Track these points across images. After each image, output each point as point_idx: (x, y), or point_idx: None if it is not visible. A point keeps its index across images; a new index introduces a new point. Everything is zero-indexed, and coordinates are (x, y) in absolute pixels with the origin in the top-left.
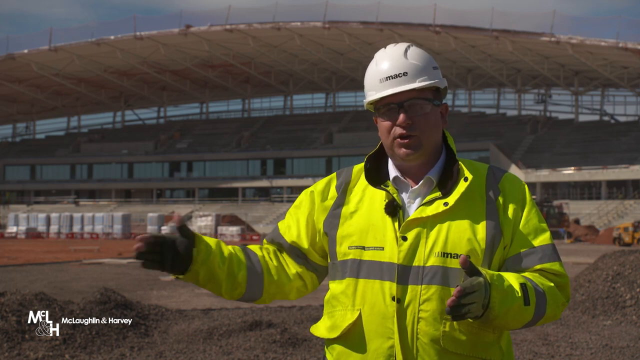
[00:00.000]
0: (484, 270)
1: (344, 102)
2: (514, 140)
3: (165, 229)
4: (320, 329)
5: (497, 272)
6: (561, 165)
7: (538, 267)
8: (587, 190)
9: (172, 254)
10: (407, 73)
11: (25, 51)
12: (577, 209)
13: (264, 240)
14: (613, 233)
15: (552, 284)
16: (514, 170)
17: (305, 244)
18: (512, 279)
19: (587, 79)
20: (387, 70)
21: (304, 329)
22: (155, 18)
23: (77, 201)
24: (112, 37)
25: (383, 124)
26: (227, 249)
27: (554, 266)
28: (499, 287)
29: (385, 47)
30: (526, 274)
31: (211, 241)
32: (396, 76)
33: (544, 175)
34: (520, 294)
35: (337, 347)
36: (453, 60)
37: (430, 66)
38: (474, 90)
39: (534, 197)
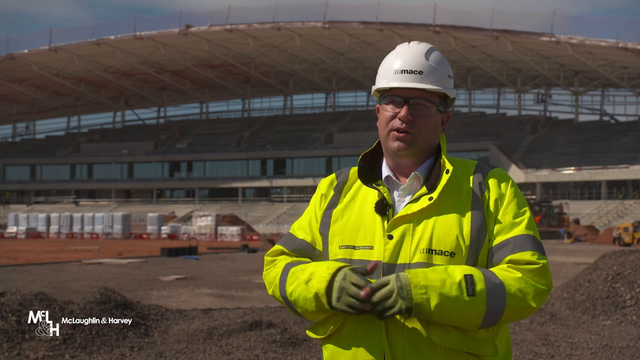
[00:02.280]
0: (404, 272)
1: (344, 102)
2: (514, 140)
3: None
4: (315, 329)
5: (428, 269)
6: (561, 165)
7: (508, 258)
8: (587, 190)
9: None
10: (422, 72)
11: (25, 51)
12: (577, 209)
13: (281, 248)
14: (613, 233)
15: (519, 274)
16: (513, 170)
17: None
18: (455, 271)
19: (587, 79)
20: (404, 64)
21: (304, 329)
22: (155, 18)
23: (77, 201)
24: (112, 37)
25: (385, 113)
26: None
27: (524, 255)
28: (419, 282)
29: (409, 43)
30: (492, 269)
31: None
32: (411, 72)
33: (544, 175)
34: (462, 285)
35: (330, 347)
36: (453, 60)
37: (445, 74)
38: (474, 90)
39: (533, 196)
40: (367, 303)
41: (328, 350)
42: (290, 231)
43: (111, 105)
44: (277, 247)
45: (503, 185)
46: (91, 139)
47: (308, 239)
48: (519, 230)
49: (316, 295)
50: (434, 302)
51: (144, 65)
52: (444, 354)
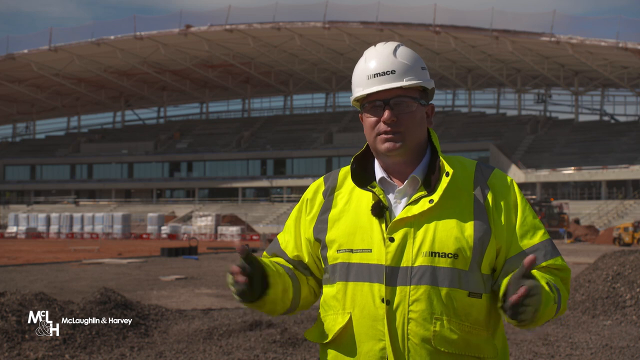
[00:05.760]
0: (535, 273)
1: (344, 102)
2: (514, 140)
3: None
4: (314, 334)
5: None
6: (561, 165)
7: (544, 264)
8: (587, 190)
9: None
10: (395, 71)
11: (25, 51)
12: (577, 209)
13: (264, 253)
14: (613, 233)
15: (560, 282)
16: (514, 170)
17: (305, 257)
18: (540, 278)
19: (587, 79)
20: (375, 68)
21: (303, 329)
22: (155, 18)
23: (77, 201)
24: (112, 37)
25: (368, 120)
26: (274, 265)
27: (557, 261)
28: (544, 290)
29: (375, 45)
30: (546, 276)
31: (265, 260)
32: (384, 73)
33: (544, 175)
34: (552, 294)
35: (331, 352)
36: (453, 60)
37: (418, 66)
38: (474, 90)
39: (533, 197)
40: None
41: (330, 355)
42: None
43: (111, 105)
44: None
45: (509, 188)
46: (91, 139)
47: (283, 244)
48: (544, 234)
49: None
50: (545, 310)
51: (144, 65)
52: (448, 359)
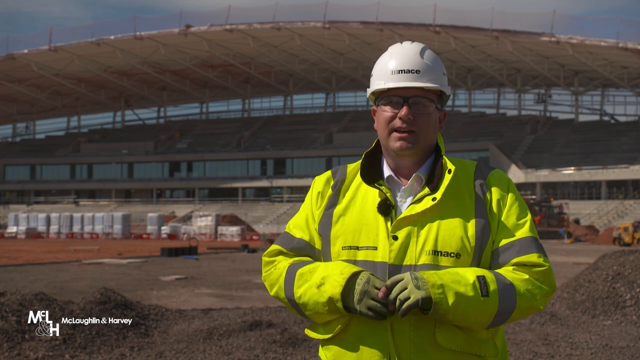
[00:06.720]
0: (416, 273)
1: (344, 102)
2: (514, 140)
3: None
4: (315, 330)
5: (440, 271)
6: (561, 165)
7: (514, 260)
8: (587, 190)
9: None
10: (419, 71)
11: (25, 51)
12: (577, 209)
13: (280, 248)
14: (613, 233)
15: (526, 276)
16: (514, 170)
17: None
18: (467, 272)
19: (587, 79)
20: (400, 64)
21: (304, 328)
22: (155, 18)
23: (77, 201)
24: (112, 37)
25: (383, 115)
26: None
27: (531, 258)
28: (436, 282)
29: (401, 43)
30: (499, 270)
31: None
32: (409, 71)
33: (544, 175)
34: (476, 285)
35: (332, 348)
36: (453, 60)
37: (440, 71)
38: (474, 90)
39: (533, 197)
40: (388, 305)
41: (331, 351)
42: (287, 230)
43: (111, 105)
44: (275, 246)
45: (504, 187)
46: (91, 139)
47: (306, 237)
48: (523, 232)
49: (330, 300)
50: (451, 300)
51: (144, 65)
52: (449, 356)
